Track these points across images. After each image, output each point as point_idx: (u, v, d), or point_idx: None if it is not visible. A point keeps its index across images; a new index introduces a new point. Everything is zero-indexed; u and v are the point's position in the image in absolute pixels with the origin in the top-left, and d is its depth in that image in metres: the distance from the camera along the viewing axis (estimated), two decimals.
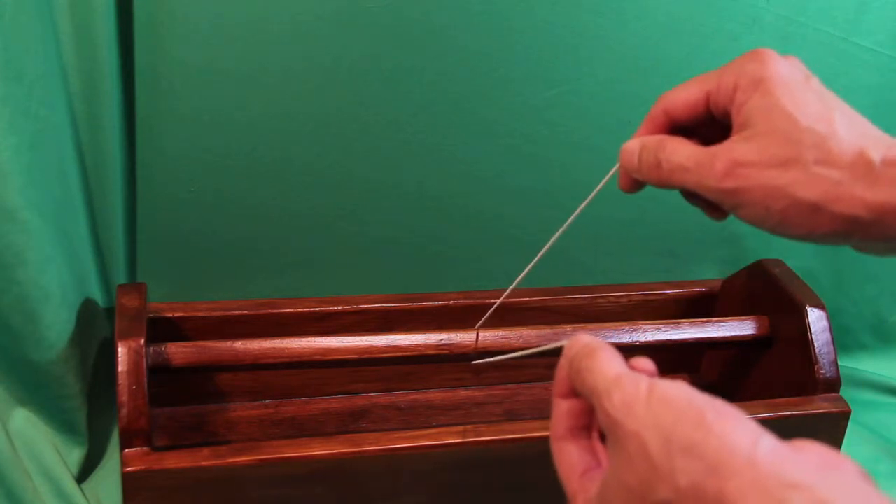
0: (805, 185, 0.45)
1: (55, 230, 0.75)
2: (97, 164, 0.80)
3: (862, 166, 0.45)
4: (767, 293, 0.86)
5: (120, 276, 0.86)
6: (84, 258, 0.82)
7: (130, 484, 0.66)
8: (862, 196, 0.44)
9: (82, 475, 0.82)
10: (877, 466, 0.93)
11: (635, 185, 0.53)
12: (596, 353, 0.40)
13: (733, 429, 0.34)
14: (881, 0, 0.90)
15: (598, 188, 0.57)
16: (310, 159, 0.86)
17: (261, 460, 0.68)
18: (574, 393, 0.42)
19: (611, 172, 0.55)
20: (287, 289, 0.90)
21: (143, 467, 0.66)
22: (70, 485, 0.79)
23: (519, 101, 0.88)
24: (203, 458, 0.67)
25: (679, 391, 0.36)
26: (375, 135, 0.86)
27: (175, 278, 0.88)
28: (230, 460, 0.67)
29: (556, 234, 0.60)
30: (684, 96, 0.51)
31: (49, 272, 0.74)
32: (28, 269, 0.72)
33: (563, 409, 0.42)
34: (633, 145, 0.52)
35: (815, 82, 0.48)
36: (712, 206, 0.51)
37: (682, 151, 0.49)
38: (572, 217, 0.58)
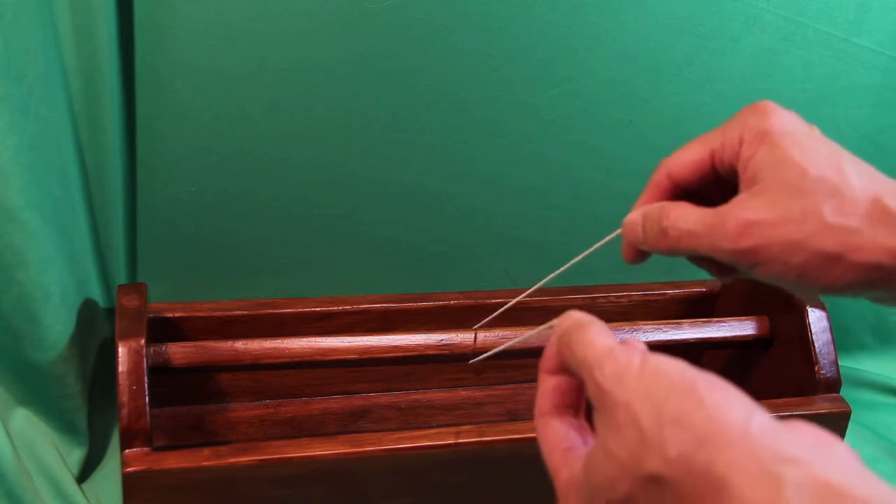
0: (823, 236, 0.43)
1: (55, 230, 0.75)
2: (97, 164, 0.80)
3: (879, 213, 0.43)
4: (767, 293, 0.86)
5: (120, 276, 0.86)
6: (84, 258, 0.82)
7: (130, 484, 0.66)
8: (884, 243, 0.43)
9: (82, 475, 0.82)
10: (877, 466, 0.93)
11: (640, 255, 0.51)
12: (588, 326, 0.40)
13: (727, 402, 0.34)
14: (881, 0, 0.90)
15: (596, 247, 0.55)
16: (310, 159, 0.86)
17: (261, 460, 0.68)
18: (562, 369, 0.42)
19: (610, 237, 0.53)
20: (287, 289, 0.90)
21: (143, 467, 0.66)
22: (70, 485, 0.79)
23: (519, 101, 0.88)
24: (203, 459, 0.67)
25: (672, 364, 0.36)
26: (375, 135, 0.86)
27: (175, 278, 0.88)
28: (230, 460, 0.67)
29: (548, 277, 0.59)
30: (688, 158, 0.49)
31: (49, 272, 0.74)
32: (28, 269, 0.72)
33: (549, 385, 0.42)
34: (635, 217, 0.50)
35: (818, 131, 0.47)
36: (721, 267, 0.49)
37: (688, 216, 0.47)
38: (567, 265, 0.58)
